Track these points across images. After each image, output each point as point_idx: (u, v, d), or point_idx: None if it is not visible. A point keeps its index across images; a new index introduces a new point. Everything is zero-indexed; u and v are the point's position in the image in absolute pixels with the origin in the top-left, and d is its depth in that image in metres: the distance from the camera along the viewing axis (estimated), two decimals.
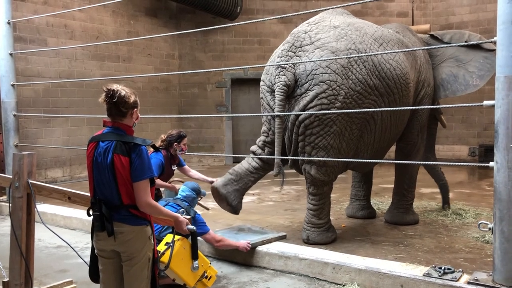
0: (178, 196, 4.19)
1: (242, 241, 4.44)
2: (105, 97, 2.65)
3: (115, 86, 2.67)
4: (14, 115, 6.96)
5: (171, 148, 4.94)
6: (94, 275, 2.87)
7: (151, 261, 2.76)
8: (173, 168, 5.07)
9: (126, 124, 2.72)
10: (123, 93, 2.65)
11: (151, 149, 4.91)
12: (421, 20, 12.53)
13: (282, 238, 4.85)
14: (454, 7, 12.53)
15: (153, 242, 2.77)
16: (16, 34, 7.97)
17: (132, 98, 2.69)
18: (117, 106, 2.65)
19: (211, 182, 5.16)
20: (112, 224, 2.64)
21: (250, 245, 4.42)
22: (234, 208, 5.09)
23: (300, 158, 4.84)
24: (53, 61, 9.31)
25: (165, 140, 4.96)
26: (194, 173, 5.25)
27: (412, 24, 11.27)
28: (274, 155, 4.99)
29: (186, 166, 5.24)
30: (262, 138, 5.17)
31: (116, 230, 2.64)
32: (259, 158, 5.15)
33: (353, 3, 5.41)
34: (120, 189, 2.62)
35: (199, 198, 4.36)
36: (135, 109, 2.73)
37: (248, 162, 5.21)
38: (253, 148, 5.25)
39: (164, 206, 3.81)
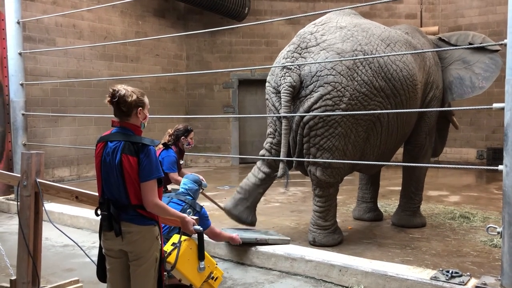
0: (180, 189, 4.13)
1: (235, 234, 4.40)
2: (108, 98, 2.67)
3: (118, 86, 2.67)
4: (23, 114, 7.00)
5: (178, 142, 4.96)
6: (101, 274, 2.88)
7: (158, 261, 2.76)
8: (181, 162, 5.08)
9: (133, 124, 2.72)
10: (123, 92, 2.65)
11: (161, 147, 4.93)
12: (429, 22, 12.46)
13: (285, 242, 4.65)
14: (463, 9, 12.45)
15: (160, 242, 2.77)
16: (25, 34, 8.02)
17: (134, 97, 2.66)
18: (118, 106, 2.66)
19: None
20: (120, 224, 2.64)
21: (240, 241, 4.39)
22: (250, 223, 5.17)
23: (305, 159, 4.82)
24: (61, 60, 9.36)
25: (173, 135, 4.97)
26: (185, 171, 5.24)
27: (421, 26, 11.21)
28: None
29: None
30: (268, 140, 5.14)
31: (123, 230, 2.65)
32: (266, 165, 5.12)
33: (361, 4, 5.39)
34: (128, 189, 2.62)
35: (201, 190, 4.34)
36: (140, 108, 2.71)
37: (254, 175, 5.18)
38: (262, 152, 5.22)
39: (168, 203, 3.79)
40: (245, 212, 5.12)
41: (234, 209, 5.12)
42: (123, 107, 2.65)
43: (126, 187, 2.62)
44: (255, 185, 5.15)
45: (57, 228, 3.39)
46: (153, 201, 2.62)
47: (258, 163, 5.23)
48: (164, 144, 4.94)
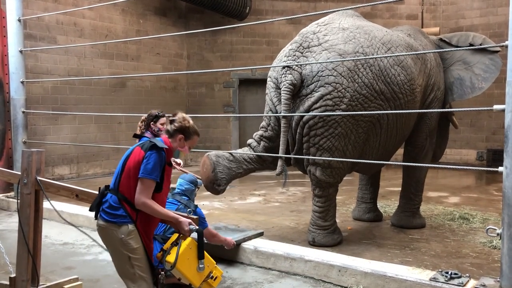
0: (176, 190, 4.11)
1: (229, 237, 4.31)
2: (171, 115, 3.00)
3: (185, 114, 2.99)
4: (23, 112, 7.00)
5: (150, 129, 4.84)
6: None
7: (134, 260, 2.82)
8: None
9: (171, 142, 2.93)
10: (181, 116, 2.96)
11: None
12: (430, 23, 12.47)
13: (260, 235, 4.84)
14: (464, 10, 12.45)
15: (131, 243, 2.79)
16: (26, 32, 8.01)
17: (187, 125, 2.93)
18: (171, 124, 2.94)
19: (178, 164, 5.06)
20: (99, 208, 2.85)
21: (235, 243, 4.31)
22: (217, 180, 4.86)
23: (302, 157, 4.83)
24: (62, 58, 9.36)
25: (144, 121, 4.88)
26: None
27: (422, 27, 11.21)
28: (270, 150, 5.02)
29: None
30: (259, 132, 5.17)
31: (97, 223, 2.86)
32: (255, 152, 5.13)
33: (363, 5, 5.38)
34: (122, 175, 2.80)
35: (197, 189, 4.33)
36: (183, 136, 2.92)
37: (243, 151, 5.20)
38: (249, 141, 5.23)
39: None
40: (221, 166, 4.90)
41: (214, 156, 4.91)
42: (174, 125, 2.92)
43: (122, 173, 2.80)
44: (242, 157, 5.10)
45: (71, 224, 3.39)
46: (141, 199, 2.73)
47: (247, 148, 5.21)
48: (135, 135, 4.77)
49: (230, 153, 5.12)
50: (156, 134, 4.74)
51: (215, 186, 4.88)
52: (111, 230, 2.79)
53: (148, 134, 4.72)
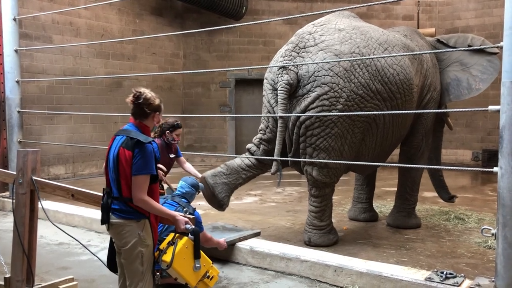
0: (177, 192, 4.13)
1: (221, 239, 4.37)
2: (132, 98, 2.83)
3: (143, 89, 2.86)
4: (18, 112, 6.96)
5: (164, 136, 4.91)
6: (110, 264, 3.01)
7: (145, 256, 2.81)
8: (171, 156, 5.01)
9: (145, 124, 2.88)
10: (148, 95, 2.84)
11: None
12: (426, 24, 12.50)
13: (256, 235, 4.86)
14: (460, 11, 12.50)
15: (146, 239, 2.82)
16: (21, 31, 7.98)
17: (156, 102, 2.87)
18: (141, 107, 2.82)
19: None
20: (109, 214, 2.80)
21: (226, 243, 4.36)
22: (220, 201, 4.98)
23: (299, 159, 4.84)
24: (58, 58, 9.33)
25: (159, 127, 4.92)
26: (188, 166, 5.18)
27: (418, 28, 11.25)
28: (269, 153, 5.01)
29: (182, 157, 5.20)
30: (258, 135, 5.17)
31: (111, 222, 2.80)
32: (253, 157, 5.13)
33: (359, 5, 5.39)
34: (121, 181, 2.76)
35: (198, 193, 4.34)
36: (157, 113, 2.89)
37: (241, 159, 5.20)
38: (249, 145, 5.25)
39: (162, 204, 3.78)
40: (220, 186, 4.98)
41: (211, 178, 4.98)
42: (146, 109, 2.83)
43: (119, 179, 2.75)
44: (240, 167, 5.13)
45: (57, 227, 3.38)
46: (138, 196, 2.73)
47: (247, 153, 5.24)
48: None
49: (226, 164, 5.14)
50: (168, 143, 4.93)
51: (219, 207, 5.07)
52: (129, 227, 2.77)
53: (158, 140, 4.84)
